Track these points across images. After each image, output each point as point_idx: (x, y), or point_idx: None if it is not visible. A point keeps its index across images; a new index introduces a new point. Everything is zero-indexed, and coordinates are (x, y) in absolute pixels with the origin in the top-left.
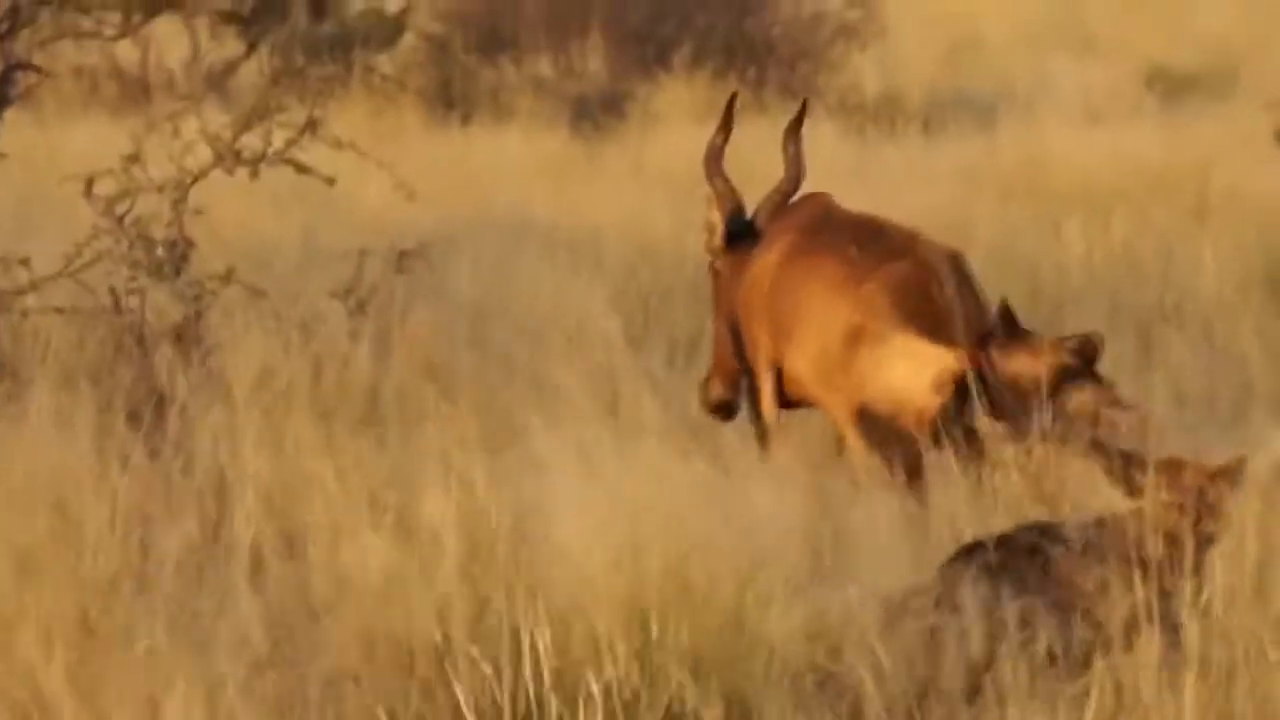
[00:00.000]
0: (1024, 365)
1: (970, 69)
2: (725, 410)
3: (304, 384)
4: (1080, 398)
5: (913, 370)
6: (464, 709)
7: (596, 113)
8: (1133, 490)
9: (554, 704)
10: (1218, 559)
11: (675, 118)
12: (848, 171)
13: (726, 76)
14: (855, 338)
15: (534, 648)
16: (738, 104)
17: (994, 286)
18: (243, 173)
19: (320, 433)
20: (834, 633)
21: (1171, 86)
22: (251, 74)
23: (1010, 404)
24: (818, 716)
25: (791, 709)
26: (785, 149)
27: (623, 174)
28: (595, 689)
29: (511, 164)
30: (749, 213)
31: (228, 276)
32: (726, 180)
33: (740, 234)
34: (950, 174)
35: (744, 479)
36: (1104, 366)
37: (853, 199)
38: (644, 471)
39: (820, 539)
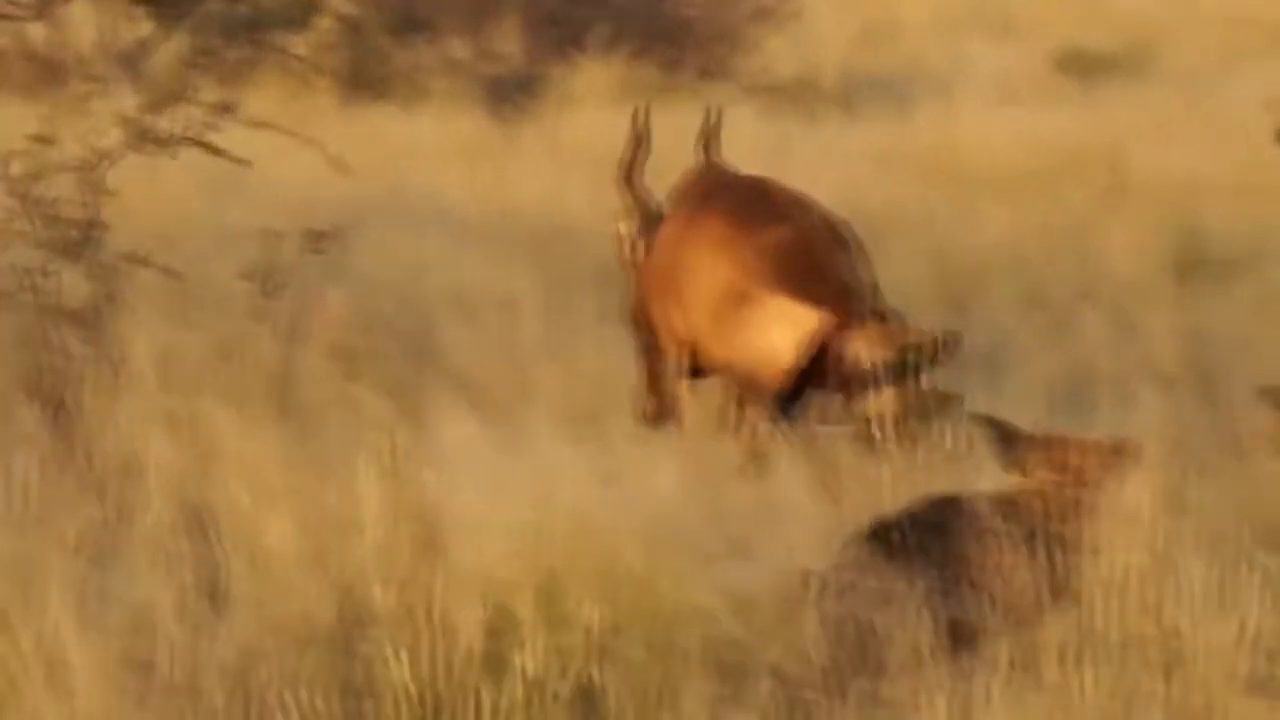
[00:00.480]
0: (867, 347)
1: (886, 51)
2: (661, 421)
3: (215, 365)
4: (888, 397)
5: (779, 331)
6: (380, 688)
7: (512, 94)
8: (1015, 466)
9: (473, 682)
10: (1119, 534)
11: (591, 99)
12: (764, 153)
13: (642, 58)
14: (733, 299)
15: (452, 628)
16: (645, 113)
17: (910, 268)
18: (156, 154)
19: (230, 414)
20: (745, 609)
21: (1087, 68)
22: (165, 55)
23: (839, 380)
24: (730, 692)
25: (702, 684)
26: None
27: (539, 155)
28: (519, 666)
29: (427, 145)
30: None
31: (140, 257)
32: (640, 191)
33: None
34: (866, 156)
35: (652, 454)
36: (1021, 345)
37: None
38: (554, 451)
39: (730, 514)
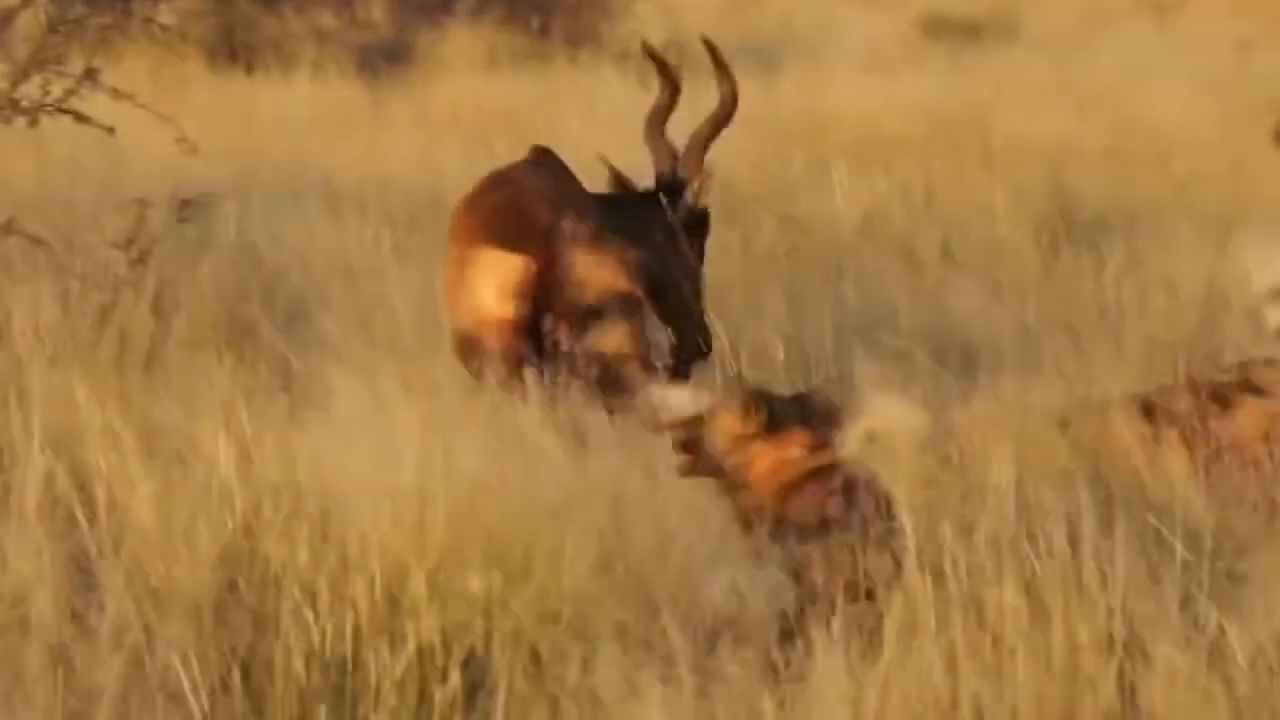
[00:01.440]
0: (596, 273)
1: (754, 17)
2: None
3: (86, 335)
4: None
5: (487, 281)
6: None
7: (381, 62)
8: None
9: (359, 654)
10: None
11: (460, 66)
12: (631, 120)
13: (511, 25)
14: (457, 267)
15: (342, 598)
16: (664, 58)
17: (776, 234)
18: (21, 122)
19: (103, 383)
20: (634, 583)
21: (953, 34)
22: (29, 24)
23: (575, 309)
24: (617, 664)
25: (589, 656)
26: (650, 143)
27: (408, 122)
28: (409, 637)
29: (296, 114)
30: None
31: (8, 226)
32: (665, 142)
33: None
34: (734, 121)
35: (536, 427)
36: (893, 308)
37: (636, 145)
38: (431, 420)
39: (619, 487)
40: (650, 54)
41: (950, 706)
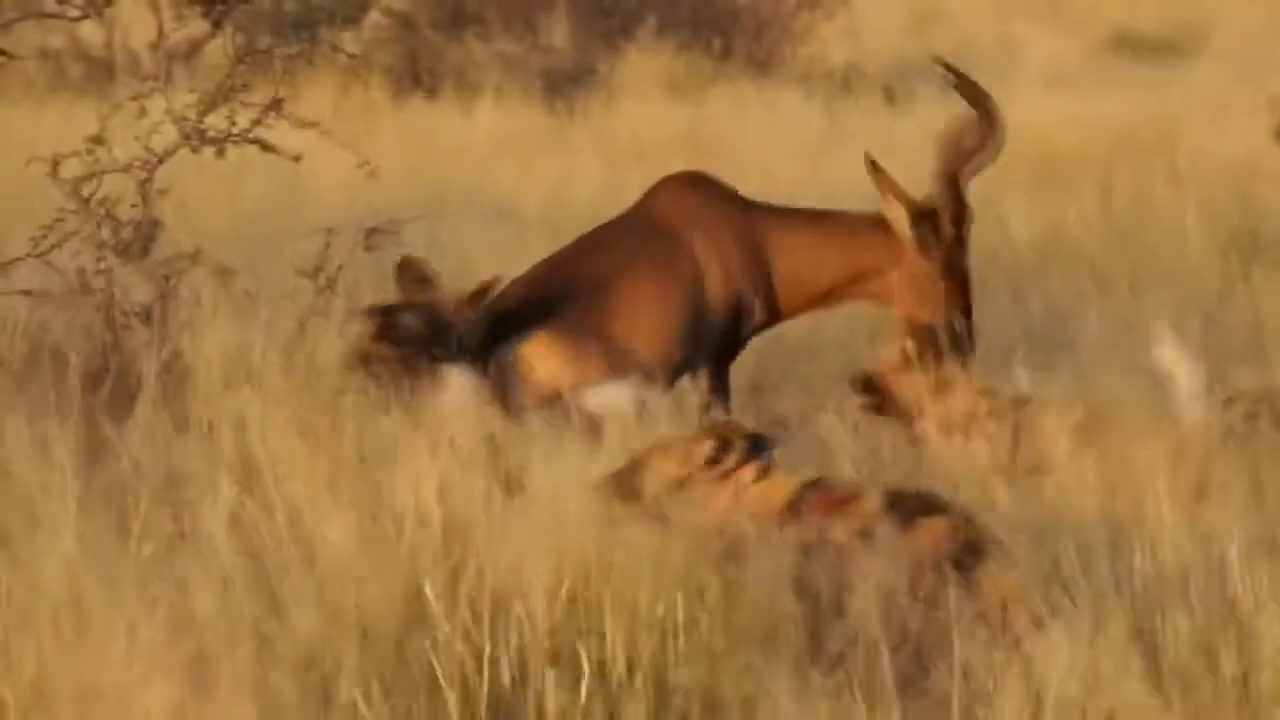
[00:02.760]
0: None
1: (936, 37)
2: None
3: (274, 362)
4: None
5: None
6: (443, 685)
7: (563, 87)
8: None
9: (541, 677)
10: None
11: (642, 90)
12: (814, 141)
13: (692, 48)
14: None
15: (519, 620)
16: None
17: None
18: (209, 152)
19: (291, 411)
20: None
21: (1139, 51)
22: (216, 54)
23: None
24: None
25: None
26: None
27: (590, 148)
28: (584, 661)
29: (479, 140)
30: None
31: (196, 256)
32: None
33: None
34: (916, 143)
35: None
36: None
37: (819, 168)
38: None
39: None
40: (965, 84)
41: None
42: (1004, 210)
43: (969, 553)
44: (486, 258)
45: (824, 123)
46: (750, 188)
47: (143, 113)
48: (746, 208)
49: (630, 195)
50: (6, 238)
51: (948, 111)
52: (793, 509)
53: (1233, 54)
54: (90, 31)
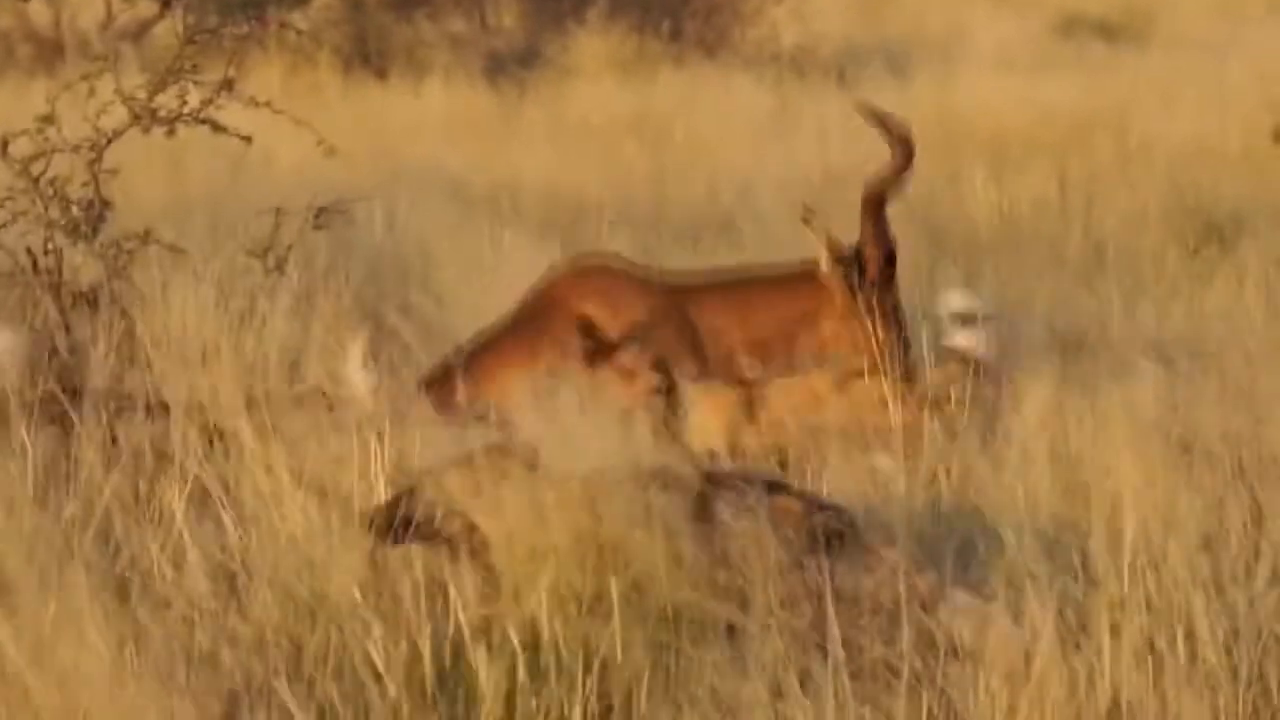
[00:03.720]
0: None
1: (885, 19)
2: None
3: (225, 343)
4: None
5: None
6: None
7: (513, 68)
8: None
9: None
10: None
11: (592, 72)
12: (765, 124)
13: (642, 30)
14: None
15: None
16: (889, 120)
17: (909, 235)
18: (159, 132)
19: (242, 391)
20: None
21: (1086, 34)
22: (166, 34)
23: None
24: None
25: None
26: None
27: (540, 129)
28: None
29: (428, 120)
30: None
31: (146, 236)
32: (883, 225)
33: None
34: (865, 125)
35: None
36: (1038, 309)
37: (770, 151)
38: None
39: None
40: (873, 116)
41: None
42: (957, 192)
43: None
44: (439, 238)
45: (774, 105)
46: (701, 171)
47: (92, 93)
48: (659, 287)
49: (580, 176)
50: None
51: (898, 95)
52: None
53: (1181, 38)
54: (39, 12)
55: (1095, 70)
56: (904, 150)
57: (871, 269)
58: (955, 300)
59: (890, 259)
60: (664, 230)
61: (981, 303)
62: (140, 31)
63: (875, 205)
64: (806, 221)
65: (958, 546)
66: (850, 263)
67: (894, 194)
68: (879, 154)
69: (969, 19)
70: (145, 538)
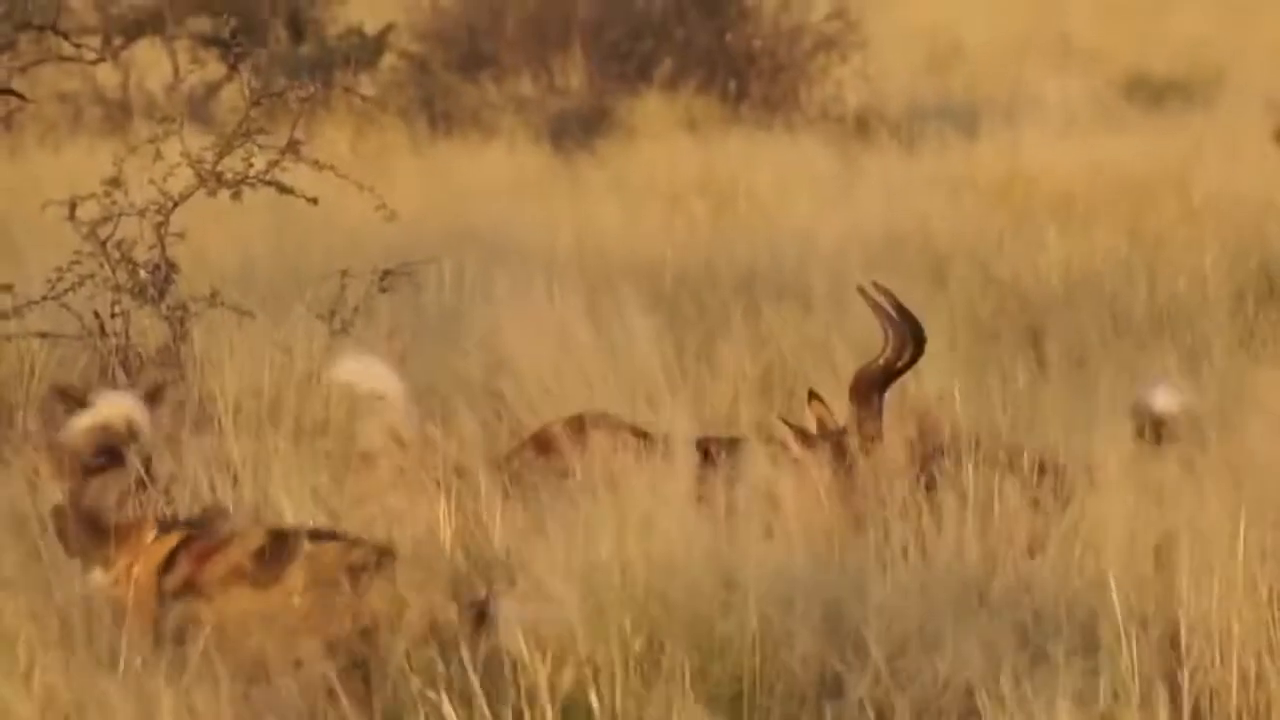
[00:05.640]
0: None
1: (950, 79)
2: None
3: (289, 404)
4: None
5: None
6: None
7: (578, 129)
8: None
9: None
10: None
11: (657, 132)
12: (829, 183)
13: (708, 91)
14: None
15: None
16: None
17: (977, 296)
18: (225, 195)
19: (305, 452)
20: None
21: (1152, 94)
22: (232, 97)
23: None
24: None
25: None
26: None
27: (606, 190)
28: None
29: (494, 181)
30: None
31: (212, 298)
32: (873, 410)
33: None
34: (931, 184)
35: None
36: (1097, 371)
37: (834, 212)
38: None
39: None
40: (871, 303)
41: None
42: (1024, 250)
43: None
44: (508, 300)
45: (839, 165)
46: (765, 231)
47: (159, 155)
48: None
49: (645, 236)
50: (24, 279)
51: (964, 154)
52: (171, 564)
53: (1245, 96)
54: (107, 74)
55: (1160, 129)
56: (898, 341)
57: (852, 447)
58: (1160, 398)
59: (871, 437)
60: (726, 290)
61: (1185, 398)
62: (207, 94)
63: (864, 393)
64: (812, 397)
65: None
66: (829, 441)
67: (890, 381)
68: (942, 217)
69: (1034, 78)
70: None
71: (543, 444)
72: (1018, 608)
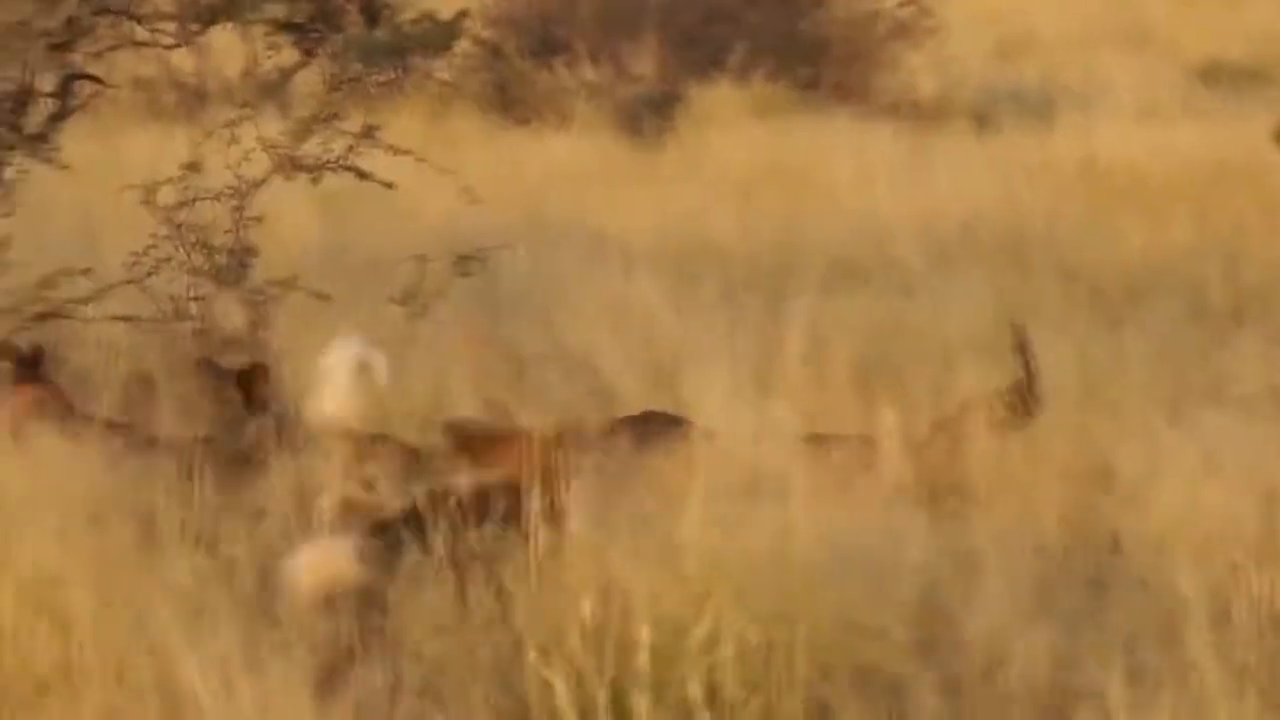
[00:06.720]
0: None
1: (1024, 66)
2: None
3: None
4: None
5: None
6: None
7: (651, 115)
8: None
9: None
10: None
11: (729, 119)
12: (903, 170)
13: (781, 77)
14: None
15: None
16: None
17: (1052, 283)
18: (303, 179)
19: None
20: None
21: (1229, 81)
22: (308, 81)
23: None
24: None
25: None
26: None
27: (678, 175)
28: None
29: (567, 167)
30: None
31: (290, 282)
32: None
33: None
34: (1005, 171)
35: None
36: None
37: (908, 198)
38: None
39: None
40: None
41: None
42: (1100, 239)
43: None
44: (578, 285)
45: (911, 152)
46: (837, 217)
47: (235, 140)
48: None
49: (717, 223)
50: (102, 264)
51: (1039, 142)
52: None
53: None
54: (183, 60)
55: (1237, 115)
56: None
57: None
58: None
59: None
60: (798, 276)
61: None
62: (283, 79)
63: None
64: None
65: None
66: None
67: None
68: (1017, 204)
69: (1109, 65)
70: None
71: (633, 426)
72: None
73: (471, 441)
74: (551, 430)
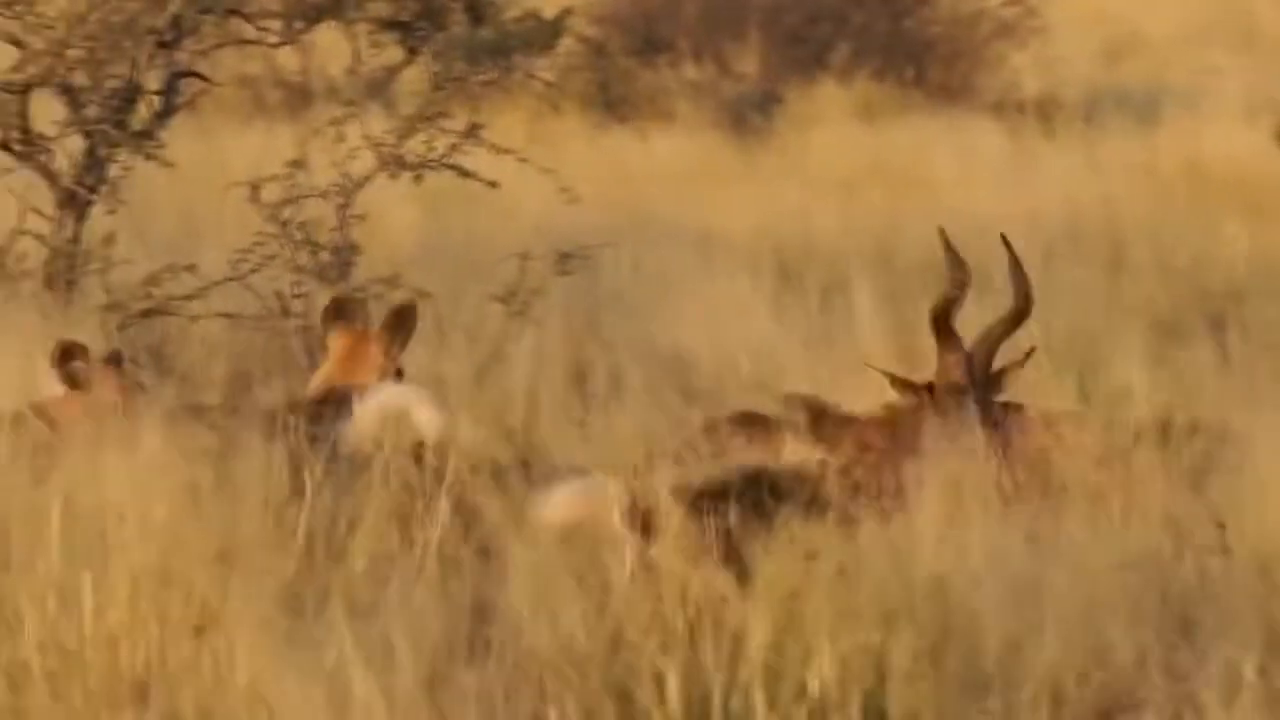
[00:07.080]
0: None
1: (1130, 66)
2: None
3: (466, 386)
4: None
5: None
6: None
7: (754, 114)
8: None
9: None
10: None
11: (832, 117)
12: (1006, 170)
13: (885, 77)
14: None
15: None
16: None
17: (1156, 284)
18: (407, 177)
19: (481, 435)
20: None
21: None
22: (412, 80)
23: None
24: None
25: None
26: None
27: (781, 174)
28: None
29: (670, 166)
30: None
31: (393, 280)
32: (954, 339)
33: None
34: (1110, 172)
35: None
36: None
37: (1011, 198)
38: None
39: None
40: (945, 244)
41: None
42: (1207, 240)
43: None
44: (684, 284)
45: (1015, 152)
46: (941, 217)
47: (340, 138)
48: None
49: (821, 222)
50: (207, 261)
51: (1144, 143)
52: None
53: None
54: (288, 58)
55: None
56: (958, 274)
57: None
58: None
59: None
60: (904, 275)
61: None
62: (387, 78)
63: (942, 325)
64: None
65: None
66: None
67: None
68: (1121, 204)
69: (1214, 66)
70: None
71: (744, 423)
72: None
73: (821, 418)
74: (885, 413)
